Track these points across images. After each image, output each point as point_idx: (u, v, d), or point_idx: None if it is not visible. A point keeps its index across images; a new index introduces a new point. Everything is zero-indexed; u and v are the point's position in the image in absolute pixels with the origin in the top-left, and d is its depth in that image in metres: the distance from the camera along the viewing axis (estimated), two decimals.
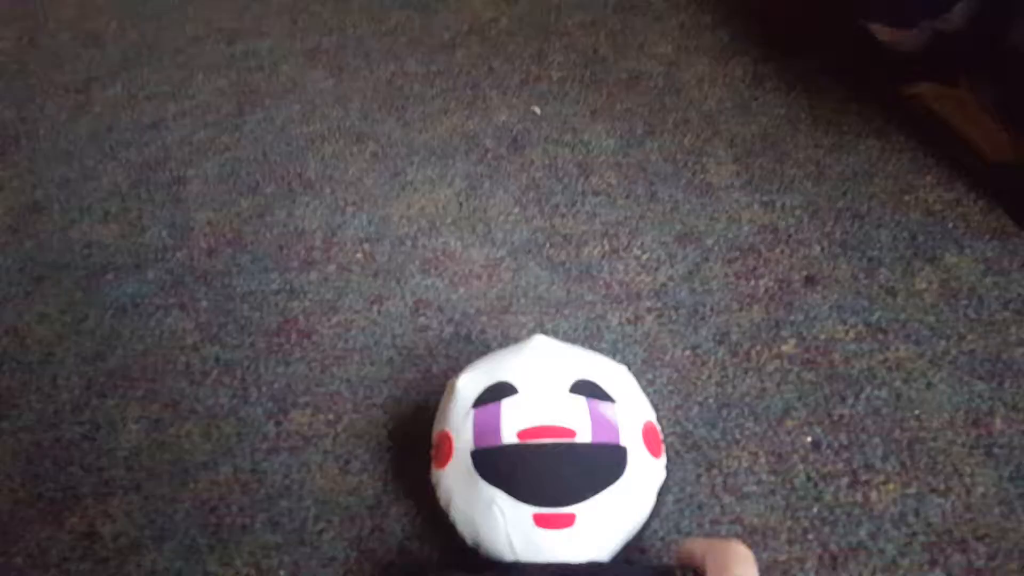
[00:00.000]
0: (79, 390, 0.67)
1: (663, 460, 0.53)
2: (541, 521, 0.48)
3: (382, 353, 0.67)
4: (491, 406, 0.52)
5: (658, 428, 0.54)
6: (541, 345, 0.55)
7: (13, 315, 0.73)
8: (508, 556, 0.49)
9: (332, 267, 0.74)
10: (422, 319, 0.70)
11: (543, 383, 0.52)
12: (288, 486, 0.60)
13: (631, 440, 0.51)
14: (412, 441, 0.60)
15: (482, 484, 0.50)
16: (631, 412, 0.52)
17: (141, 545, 0.57)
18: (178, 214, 0.81)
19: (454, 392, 0.54)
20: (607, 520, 0.49)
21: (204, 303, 0.73)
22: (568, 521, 0.48)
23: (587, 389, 0.52)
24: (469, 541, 0.52)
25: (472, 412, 0.52)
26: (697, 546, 0.46)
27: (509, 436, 0.50)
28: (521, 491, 0.49)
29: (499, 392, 0.52)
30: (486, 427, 0.51)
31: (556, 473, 0.49)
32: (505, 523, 0.49)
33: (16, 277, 0.76)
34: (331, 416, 0.63)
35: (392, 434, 0.62)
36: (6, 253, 0.79)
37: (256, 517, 0.58)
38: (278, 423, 0.63)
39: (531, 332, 0.67)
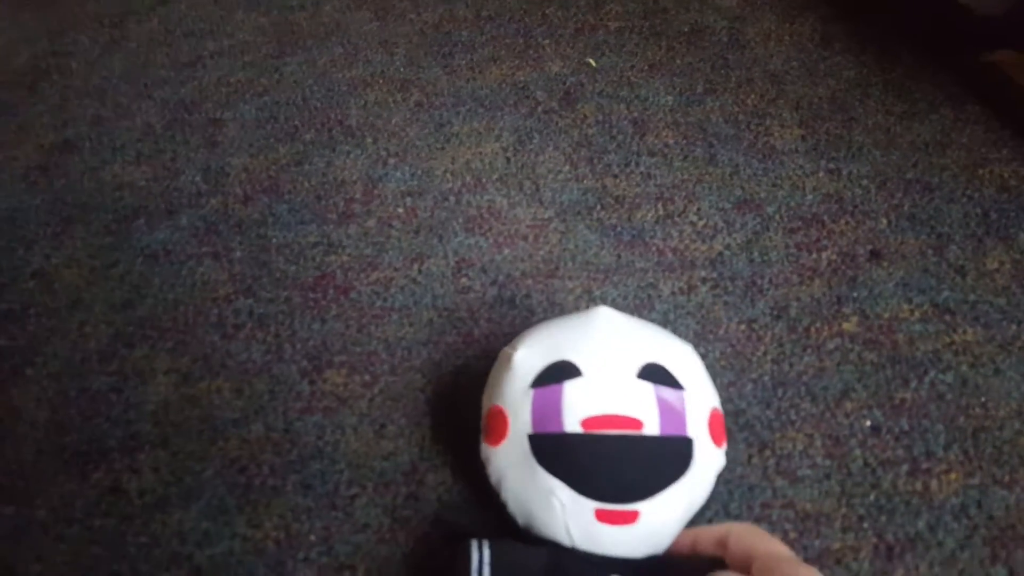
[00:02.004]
0: (107, 339, 0.65)
1: (724, 447, 0.50)
2: (603, 517, 0.46)
3: (422, 314, 0.65)
4: (552, 388, 0.49)
5: (722, 415, 0.51)
6: (607, 321, 0.52)
7: (40, 258, 0.71)
8: (565, 542, 0.47)
9: (372, 221, 0.72)
10: (464, 280, 0.67)
11: (610, 366, 0.49)
12: (321, 448, 0.58)
13: (697, 430, 0.48)
14: (451, 407, 0.58)
15: (540, 472, 0.47)
16: (698, 399, 0.49)
17: (168, 503, 0.56)
18: (213, 158, 0.78)
19: (511, 366, 0.51)
20: (670, 516, 0.47)
21: (238, 253, 0.70)
22: (631, 518, 0.46)
23: (655, 374, 0.48)
24: (520, 523, 0.49)
25: (531, 392, 0.49)
26: (706, 530, 0.45)
27: (572, 424, 0.47)
28: (584, 485, 0.46)
29: (561, 373, 0.49)
30: (547, 411, 0.48)
31: (622, 468, 0.46)
32: (564, 515, 0.46)
33: (44, 218, 0.74)
34: (367, 377, 0.61)
35: (430, 399, 0.60)
36: (34, 192, 0.77)
37: (287, 479, 0.57)
38: (312, 382, 0.61)
39: (578, 298, 0.64)
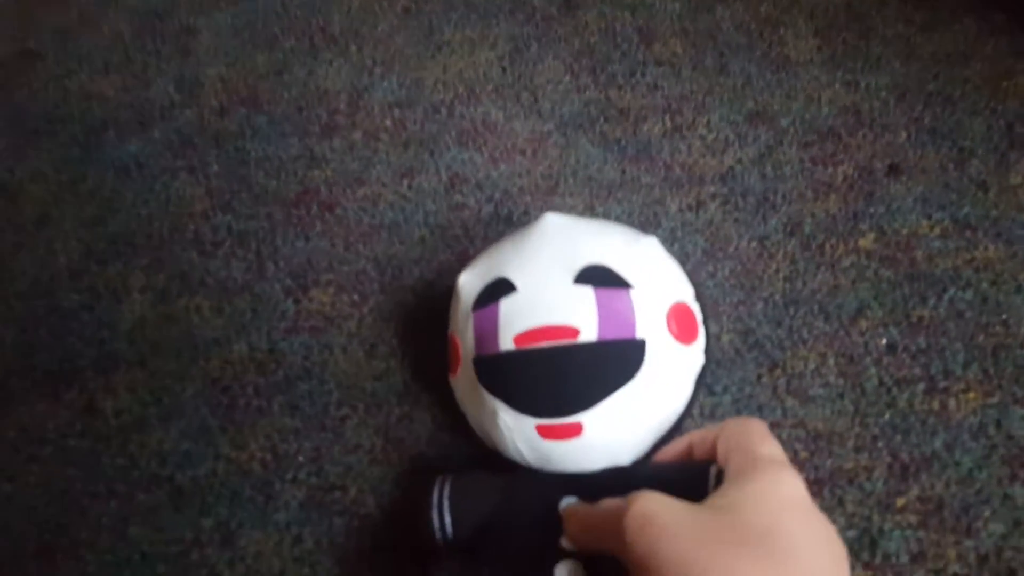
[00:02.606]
0: (78, 256, 0.63)
1: (699, 344, 0.48)
2: (545, 432, 0.44)
3: (413, 231, 0.63)
4: (489, 308, 0.47)
5: (693, 308, 0.48)
6: (548, 228, 0.49)
7: (4, 172, 0.68)
8: (522, 463, 0.46)
9: (357, 134, 0.69)
10: (458, 196, 0.65)
11: (544, 275, 0.46)
12: (308, 369, 0.56)
13: (652, 329, 0.45)
14: (445, 327, 0.56)
15: (485, 395, 0.46)
16: (653, 295, 0.46)
17: (146, 423, 0.54)
18: (187, 68, 0.75)
19: (456, 290, 0.50)
20: (622, 425, 0.45)
21: (215, 167, 0.67)
22: (574, 431, 0.44)
23: (596, 276, 0.46)
24: (488, 445, 0.48)
25: (472, 315, 0.48)
26: (702, 435, 0.41)
27: (506, 342, 0.45)
28: (521, 402, 0.45)
29: (497, 291, 0.47)
30: (484, 332, 0.46)
31: (557, 380, 0.44)
32: (511, 435, 0.45)
33: (7, 130, 0.71)
34: (356, 297, 0.59)
35: (423, 319, 0.58)
36: None
37: (273, 399, 0.55)
38: (297, 301, 0.59)
39: (579, 215, 0.63)
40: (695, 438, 0.43)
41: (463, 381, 0.49)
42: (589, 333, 0.44)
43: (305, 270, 0.61)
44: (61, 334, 0.59)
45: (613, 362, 0.45)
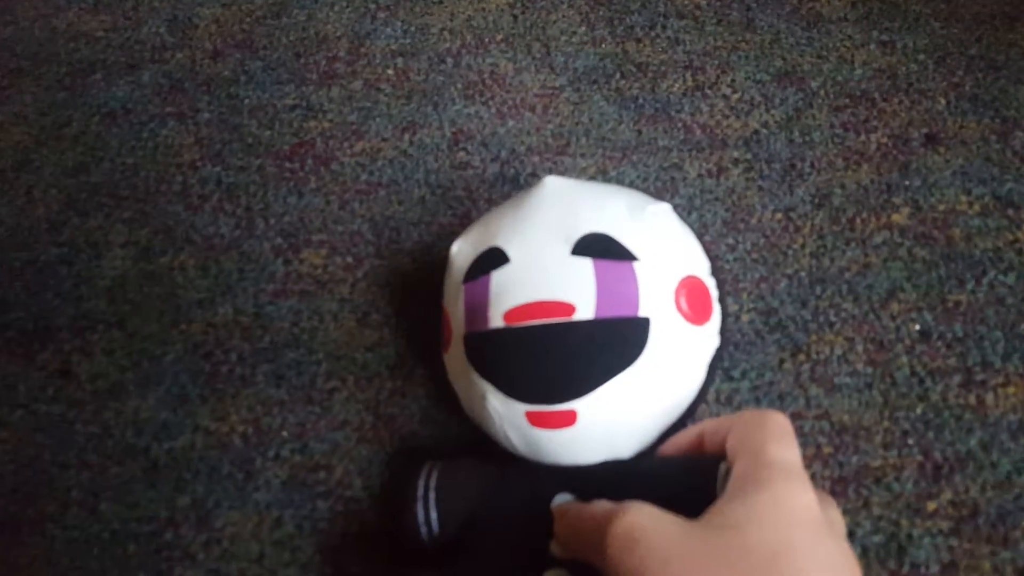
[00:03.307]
0: (57, 205, 0.55)
1: (714, 324, 0.40)
2: (536, 420, 0.37)
3: (413, 191, 0.55)
4: (480, 280, 0.39)
5: (708, 283, 0.41)
6: (547, 192, 0.42)
7: None
8: (511, 450, 0.39)
9: (357, 83, 0.60)
10: (462, 154, 0.56)
11: (539, 245, 0.39)
12: (296, 335, 0.49)
13: (658, 307, 0.38)
14: (440, 295, 0.49)
15: (474, 376, 0.39)
16: (661, 268, 0.39)
17: (122, 390, 0.47)
18: (180, 8, 0.66)
19: (449, 259, 0.43)
20: (621, 413, 0.37)
21: (206, 115, 0.59)
22: (568, 419, 0.37)
23: (596, 246, 0.38)
24: (476, 423, 0.41)
25: (462, 288, 0.40)
26: (715, 425, 0.34)
27: (496, 318, 0.38)
28: (510, 386, 0.38)
29: (489, 261, 0.40)
30: (475, 307, 0.39)
31: (549, 362, 0.37)
32: (501, 421, 0.38)
33: None
34: (350, 259, 0.52)
35: (420, 286, 0.50)
36: None
37: (257, 368, 0.48)
38: (287, 262, 0.52)
39: (591, 178, 0.54)
40: (707, 428, 0.35)
41: (454, 359, 0.42)
42: (586, 310, 0.37)
43: (297, 229, 0.53)
44: (37, 289, 0.51)
45: (612, 343, 0.37)
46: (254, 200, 0.55)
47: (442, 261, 0.53)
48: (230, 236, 0.53)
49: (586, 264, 0.38)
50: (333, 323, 0.49)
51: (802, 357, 0.47)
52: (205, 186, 0.55)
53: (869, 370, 0.46)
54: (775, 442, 0.31)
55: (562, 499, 0.36)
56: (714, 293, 0.42)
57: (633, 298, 0.38)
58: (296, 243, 0.53)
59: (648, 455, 0.39)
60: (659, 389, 0.39)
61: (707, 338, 0.40)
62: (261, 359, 0.48)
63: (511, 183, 0.55)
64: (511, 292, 0.39)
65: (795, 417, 0.45)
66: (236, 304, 0.50)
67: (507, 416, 0.38)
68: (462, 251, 0.42)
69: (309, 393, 0.47)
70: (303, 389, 0.47)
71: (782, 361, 0.47)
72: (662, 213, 0.42)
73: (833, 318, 0.48)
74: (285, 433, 0.46)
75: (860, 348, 0.47)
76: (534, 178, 0.55)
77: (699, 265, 0.42)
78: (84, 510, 0.43)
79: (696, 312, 0.40)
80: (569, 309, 0.37)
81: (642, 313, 0.38)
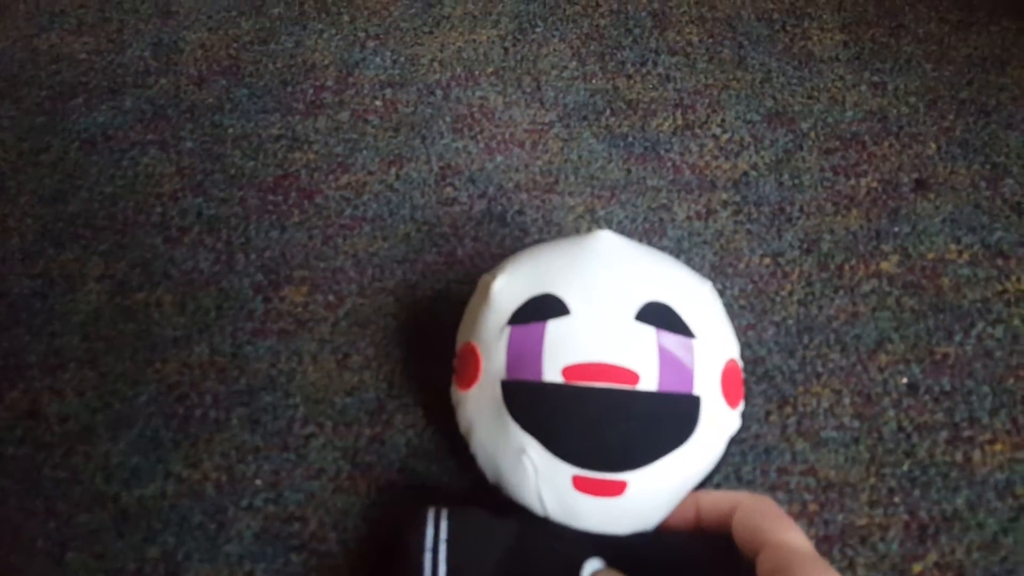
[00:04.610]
0: (32, 235, 0.51)
1: (741, 408, 0.39)
2: (582, 485, 0.35)
3: (398, 227, 0.52)
4: (533, 327, 0.37)
5: (740, 367, 0.39)
6: (607, 247, 0.39)
7: None
8: (538, 511, 0.36)
9: (345, 114, 0.57)
10: (449, 189, 0.53)
11: (604, 304, 0.37)
12: (274, 377, 0.46)
13: (707, 387, 0.36)
14: (427, 338, 0.46)
15: (512, 426, 0.36)
16: (711, 349, 0.37)
17: (93, 432, 0.44)
18: (165, 31, 0.63)
19: (488, 296, 0.39)
20: (665, 488, 0.36)
21: (188, 143, 0.56)
22: (617, 489, 0.35)
23: (659, 316, 0.36)
24: (490, 479, 0.38)
25: (508, 330, 0.37)
26: (712, 501, 0.34)
27: (552, 371, 0.35)
28: (561, 445, 0.35)
29: (545, 309, 0.37)
30: (524, 353, 0.36)
31: (608, 429, 0.35)
32: (537, 479, 0.35)
33: None
34: (331, 297, 0.49)
35: (403, 326, 0.47)
36: None
37: (232, 411, 0.45)
38: (267, 299, 0.49)
39: (579, 218, 0.52)
40: (704, 504, 0.34)
41: (479, 401, 0.38)
42: (649, 381, 0.35)
43: (278, 264, 0.50)
44: (8, 324, 0.48)
45: (670, 418, 0.36)
46: (235, 234, 0.51)
47: (426, 300, 0.50)
48: (209, 271, 0.50)
49: (650, 333, 0.36)
50: (312, 365, 0.46)
51: (789, 409, 0.44)
52: (185, 218, 0.52)
53: (856, 424, 0.44)
54: (790, 531, 0.32)
55: (593, 566, 0.34)
56: (743, 376, 0.41)
57: (690, 375, 0.36)
58: (277, 279, 0.50)
59: (661, 528, 0.37)
60: (698, 468, 0.37)
61: (735, 420, 0.39)
62: (236, 402, 0.45)
63: (498, 220, 0.52)
64: (572, 347, 0.36)
65: (780, 472, 0.42)
66: (213, 343, 0.47)
67: (547, 475, 0.36)
68: (507, 290, 0.39)
69: (285, 439, 0.44)
70: (279, 435, 0.44)
71: (768, 413, 0.44)
72: (710, 291, 0.40)
73: (820, 369, 0.46)
74: (259, 481, 0.43)
75: (847, 401, 0.45)
76: (521, 216, 0.52)
77: (736, 349, 0.40)
78: (50, 561, 0.40)
79: (731, 395, 0.38)
80: (634, 378, 0.35)
81: (696, 391, 0.36)
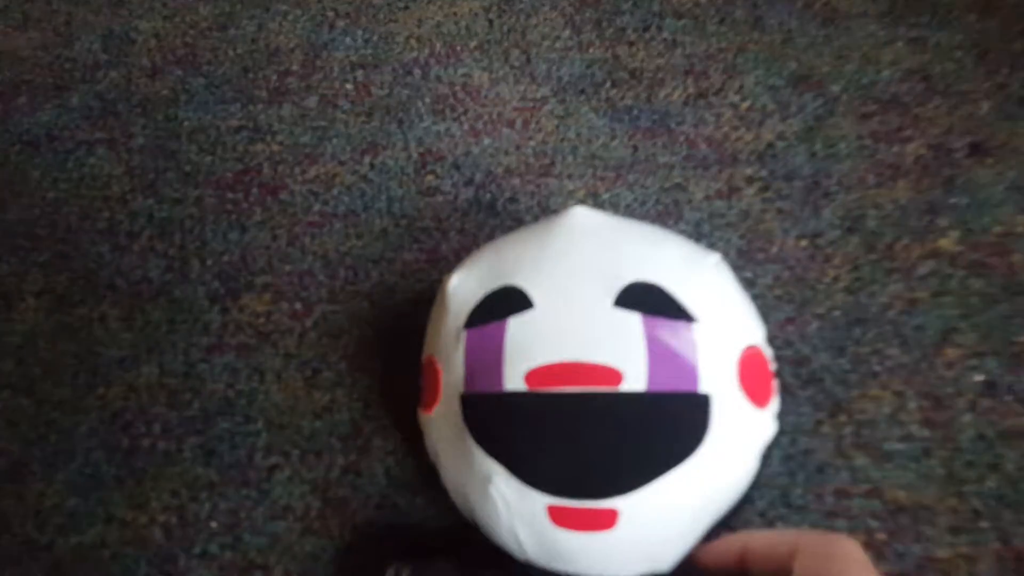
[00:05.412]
0: None
1: (773, 407, 0.31)
2: (560, 518, 0.27)
3: (373, 222, 0.45)
4: (492, 327, 0.30)
5: (767, 355, 0.32)
6: (576, 226, 0.32)
7: None
8: (516, 553, 0.29)
9: (312, 100, 0.50)
10: (430, 178, 0.46)
11: (574, 291, 0.29)
12: (232, 400, 0.39)
13: (719, 382, 0.29)
14: (408, 348, 0.37)
15: (475, 452, 0.29)
16: (722, 334, 0.30)
17: (25, 469, 0.38)
18: (117, 22, 0.56)
19: (444, 298, 0.32)
20: (672, 517, 0.28)
21: (140, 140, 0.49)
22: (605, 521, 0.27)
23: (646, 299, 0.29)
24: (465, 515, 0.31)
25: (464, 334, 0.30)
26: (765, 544, 0.25)
27: (514, 379, 0.28)
28: (528, 469, 0.28)
29: (505, 304, 0.30)
30: (482, 360, 0.29)
31: (585, 444, 0.28)
32: (509, 514, 0.28)
33: None
34: (298, 305, 0.42)
35: (381, 336, 0.41)
36: None
37: (185, 441, 0.38)
38: (225, 310, 0.42)
39: (580, 202, 0.44)
40: (755, 547, 0.26)
41: (441, 424, 0.31)
42: (636, 380, 0.28)
43: (238, 270, 0.43)
44: None
45: (669, 425, 0.28)
46: (189, 237, 0.45)
47: (407, 305, 0.44)
48: (160, 280, 0.43)
49: (634, 321, 0.29)
50: (276, 383, 0.40)
51: (843, 417, 0.37)
52: (135, 222, 0.46)
53: (926, 432, 0.37)
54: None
55: None
56: (773, 367, 0.33)
57: (691, 369, 0.29)
58: (236, 287, 0.43)
59: (686, 568, 0.29)
60: (717, 486, 0.29)
61: (766, 424, 0.31)
62: (189, 430, 0.39)
63: (487, 210, 0.45)
64: (536, 346, 0.29)
65: (838, 495, 0.35)
66: (163, 362, 0.41)
67: (519, 508, 0.28)
68: (463, 287, 0.32)
69: (244, 472, 0.37)
70: (237, 467, 0.38)
71: (819, 423, 0.37)
72: (715, 265, 0.32)
73: (877, 367, 0.38)
74: (214, 523, 0.36)
75: (913, 405, 0.37)
76: (514, 205, 0.45)
77: (758, 333, 0.32)
78: None
79: (757, 391, 0.30)
80: (615, 376, 0.28)
81: (702, 389, 0.28)
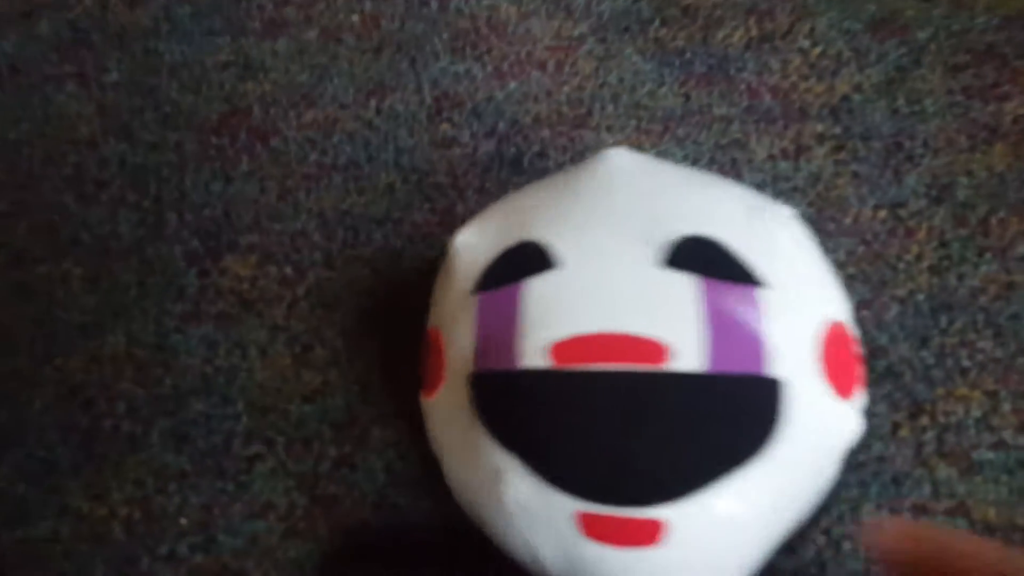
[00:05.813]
0: None
1: (859, 400, 0.26)
2: (592, 529, 0.23)
3: (378, 176, 0.40)
4: (506, 291, 0.25)
5: (852, 337, 0.27)
6: (614, 167, 0.27)
7: None
8: (532, 570, 0.25)
9: (312, 33, 0.45)
10: (446, 127, 0.41)
11: (608, 246, 0.25)
12: (209, 377, 0.35)
13: (793, 363, 0.24)
14: (415, 323, 0.33)
15: (484, 441, 0.24)
16: (798, 304, 0.25)
17: None
18: None
19: (449, 258, 0.28)
20: (728, 532, 0.23)
21: (114, 75, 0.44)
22: (649, 534, 0.23)
23: (702, 258, 0.24)
24: (473, 518, 0.27)
25: (474, 300, 0.26)
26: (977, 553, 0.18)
27: (533, 353, 0.24)
28: (553, 467, 0.23)
29: (522, 264, 0.25)
30: (495, 331, 0.25)
31: (626, 437, 0.23)
32: (525, 522, 0.24)
33: None
34: (289, 270, 0.38)
35: (383, 308, 0.37)
36: None
37: (153, 423, 0.35)
38: (204, 272, 0.38)
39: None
40: (965, 549, 0.18)
41: (445, 410, 0.27)
42: (687, 357, 0.23)
43: (220, 226, 0.39)
44: None
45: (728, 416, 0.23)
46: (166, 187, 0.40)
47: (415, 272, 0.39)
48: (131, 236, 0.39)
49: (686, 284, 0.24)
50: (260, 360, 0.36)
51: (924, 420, 0.33)
52: (104, 169, 0.41)
53: (1021, 440, 0.32)
54: None
55: None
56: (859, 349, 0.28)
57: (759, 345, 0.24)
58: (217, 246, 0.38)
59: None
60: (787, 495, 0.25)
61: (851, 418, 0.26)
62: (158, 410, 0.35)
63: (511, 166, 0.40)
64: (561, 314, 0.24)
65: (918, 511, 0.31)
66: (131, 331, 0.37)
67: (539, 515, 0.24)
68: (473, 243, 0.27)
69: (220, 462, 0.34)
70: (213, 455, 0.34)
71: (896, 426, 0.33)
72: (787, 220, 0.27)
73: (967, 362, 0.34)
74: (184, 520, 0.33)
75: (1007, 407, 0.33)
76: (543, 160, 0.41)
77: (842, 306, 0.27)
78: None
79: (841, 377, 0.25)
80: (659, 352, 0.23)
81: (772, 371, 0.24)
